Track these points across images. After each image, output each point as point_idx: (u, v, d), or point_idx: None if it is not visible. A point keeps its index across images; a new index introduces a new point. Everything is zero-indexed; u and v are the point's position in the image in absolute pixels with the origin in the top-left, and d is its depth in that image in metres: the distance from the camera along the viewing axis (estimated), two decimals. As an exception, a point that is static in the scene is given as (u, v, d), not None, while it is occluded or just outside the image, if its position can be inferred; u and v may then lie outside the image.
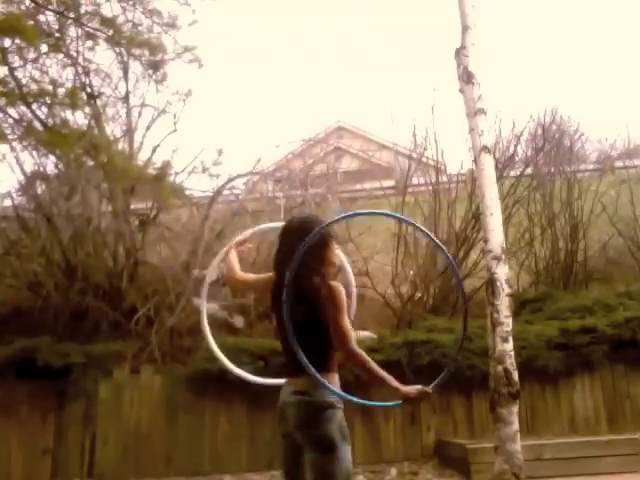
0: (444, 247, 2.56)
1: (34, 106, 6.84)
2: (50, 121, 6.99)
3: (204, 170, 7.81)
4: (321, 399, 2.26)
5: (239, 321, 6.83)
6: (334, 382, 2.32)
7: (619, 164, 9.55)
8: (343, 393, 2.28)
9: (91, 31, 6.86)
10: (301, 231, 2.38)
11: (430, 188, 8.06)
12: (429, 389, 2.28)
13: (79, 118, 7.54)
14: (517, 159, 8.48)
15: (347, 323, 2.26)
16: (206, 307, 3.09)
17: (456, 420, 6.32)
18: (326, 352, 2.32)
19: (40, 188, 7.95)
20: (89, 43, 7.32)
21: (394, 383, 2.23)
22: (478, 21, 5.10)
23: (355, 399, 2.30)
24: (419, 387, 2.27)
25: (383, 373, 2.23)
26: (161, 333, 6.52)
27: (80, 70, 7.51)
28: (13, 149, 7.49)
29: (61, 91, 7.01)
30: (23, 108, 6.84)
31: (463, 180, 8.12)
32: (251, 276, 2.85)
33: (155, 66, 7.35)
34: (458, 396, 6.33)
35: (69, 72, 7.58)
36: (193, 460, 6.11)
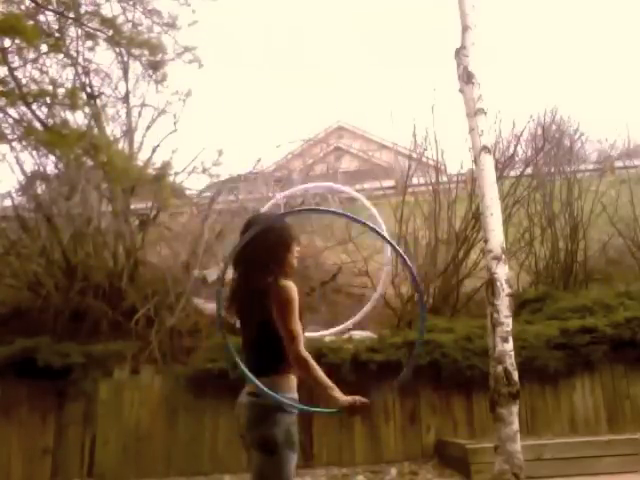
0: (401, 251, 2.49)
1: (34, 106, 6.85)
2: (50, 121, 6.99)
3: (204, 170, 7.82)
4: (269, 401, 2.23)
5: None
6: (287, 385, 2.29)
7: (619, 164, 9.54)
8: (285, 400, 2.24)
9: (91, 31, 6.86)
10: (262, 231, 2.37)
11: (430, 188, 8.05)
12: (367, 401, 2.17)
13: (79, 118, 7.56)
14: (517, 159, 8.47)
15: (295, 325, 2.23)
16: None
17: (456, 420, 6.31)
18: (279, 354, 2.28)
19: (40, 188, 7.96)
20: (89, 43, 7.34)
21: (335, 393, 2.17)
22: (478, 21, 5.10)
23: (299, 405, 2.29)
24: (358, 398, 2.17)
25: (326, 381, 2.18)
26: (161, 333, 6.52)
27: (80, 70, 7.52)
28: (13, 149, 7.51)
29: (61, 91, 7.02)
30: (23, 108, 6.85)
31: (463, 180, 8.12)
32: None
33: (155, 66, 7.35)
34: (458, 396, 6.33)
35: (69, 72, 7.61)
36: (193, 460, 6.11)
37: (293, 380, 2.32)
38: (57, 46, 7.01)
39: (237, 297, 2.41)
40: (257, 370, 2.23)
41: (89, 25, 6.82)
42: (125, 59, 7.79)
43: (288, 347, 2.22)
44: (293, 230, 2.51)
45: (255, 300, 2.32)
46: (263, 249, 2.34)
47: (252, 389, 2.30)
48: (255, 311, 2.33)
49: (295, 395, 2.32)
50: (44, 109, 7.06)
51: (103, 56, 11.42)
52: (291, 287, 2.29)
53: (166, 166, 7.50)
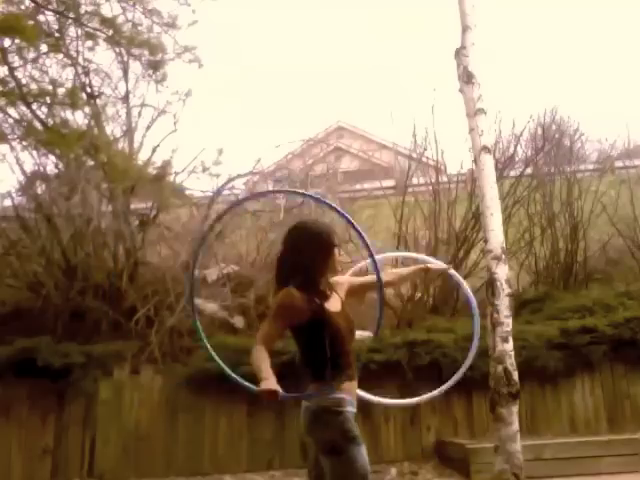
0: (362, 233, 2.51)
1: (34, 106, 6.85)
2: (50, 121, 6.99)
3: (204, 170, 7.82)
4: (318, 405, 2.31)
5: (239, 321, 6.83)
6: (329, 389, 2.32)
7: (619, 164, 9.54)
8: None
9: (91, 31, 6.87)
10: (306, 239, 2.43)
11: (430, 188, 8.06)
12: (278, 392, 2.10)
13: (79, 118, 7.56)
14: (517, 159, 8.48)
15: (265, 325, 2.33)
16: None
17: (456, 420, 6.31)
18: (318, 364, 2.36)
19: (40, 188, 7.95)
20: (89, 43, 7.35)
21: (262, 375, 2.15)
22: (478, 21, 5.10)
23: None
24: (267, 387, 2.11)
25: (257, 367, 2.18)
26: (161, 333, 6.52)
27: (80, 70, 7.52)
28: (13, 149, 7.50)
29: (61, 91, 7.03)
30: (23, 108, 6.85)
31: (463, 180, 8.11)
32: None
33: (155, 66, 7.35)
34: (458, 396, 6.33)
35: (69, 72, 7.60)
36: (193, 460, 6.11)
37: (339, 385, 2.35)
38: (57, 46, 7.02)
39: None
40: (307, 378, 2.39)
41: (89, 25, 6.84)
42: (125, 59, 7.79)
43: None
44: (333, 235, 2.50)
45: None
46: (304, 258, 2.40)
47: (306, 393, 2.38)
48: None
49: (340, 395, 2.33)
50: (44, 109, 7.07)
51: (103, 56, 11.40)
52: (283, 294, 2.34)
53: (166, 166, 7.50)
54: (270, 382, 2.09)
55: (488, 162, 4.71)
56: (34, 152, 7.55)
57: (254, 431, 6.16)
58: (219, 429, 6.19)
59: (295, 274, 2.37)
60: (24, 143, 7.30)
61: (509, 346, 4.23)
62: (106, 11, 7.05)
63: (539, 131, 8.66)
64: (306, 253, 2.39)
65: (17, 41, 6.37)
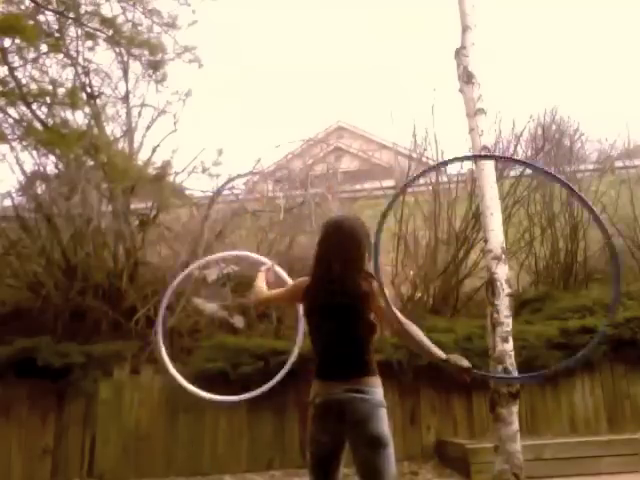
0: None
1: (34, 106, 6.85)
2: (50, 121, 6.99)
3: (204, 170, 7.82)
4: (377, 399, 2.35)
5: (239, 321, 6.83)
6: (380, 382, 2.41)
7: (619, 164, 9.53)
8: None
9: (91, 31, 6.87)
10: (354, 233, 2.50)
11: (430, 188, 8.06)
12: (468, 366, 2.36)
13: (79, 118, 7.56)
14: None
15: (392, 308, 2.38)
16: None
17: (456, 420, 6.31)
18: (372, 355, 2.43)
19: (40, 188, 7.95)
20: (89, 43, 7.35)
21: (438, 353, 2.33)
22: (478, 21, 5.10)
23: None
24: (462, 363, 2.34)
25: (428, 344, 2.33)
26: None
27: (80, 70, 7.52)
28: (13, 149, 7.50)
29: (61, 91, 7.03)
30: (23, 108, 6.85)
31: (463, 180, 8.11)
32: (272, 292, 2.90)
33: (155, 66, 7.35)
34: (458, 396, 6.33)
35: (69, 72, 7.60)
36: (193, 460, 6.11)
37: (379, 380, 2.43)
38: (57, 46, 7.02)
39: (329, 295, 2.45)
40: (357, 370, 2.36)
41: (89, 25, 6.83)
42: (125, 59, 7.78)
43: (396, 325, 2.36)
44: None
45: (353, 302, 2.40)
46: (356, 250, 2.47)
47: (353, 386, 2.34)
48: (352, 313, 2.41)
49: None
50: (44, 109, 7.07)
51: (103, 56, 11.44)
52: (379, 281, 2.42)
53: (166, 166, 7.50)
54: (453, 356, 2.34)
55: (488, 162, 4.72)
56: (34, 152, 7.55)
57: (254, 431, 6.16)
58: (219, 429, 6.18)
59: (362, 267, 2.47)
60: (24, 143, 7.29)
61: (509, 346, 4.23)
62: (106, 11, 7.06)
63: (539, 131, 8.66)
64: (367, 245, 2.51)
65: (17, 41, 6.37)
